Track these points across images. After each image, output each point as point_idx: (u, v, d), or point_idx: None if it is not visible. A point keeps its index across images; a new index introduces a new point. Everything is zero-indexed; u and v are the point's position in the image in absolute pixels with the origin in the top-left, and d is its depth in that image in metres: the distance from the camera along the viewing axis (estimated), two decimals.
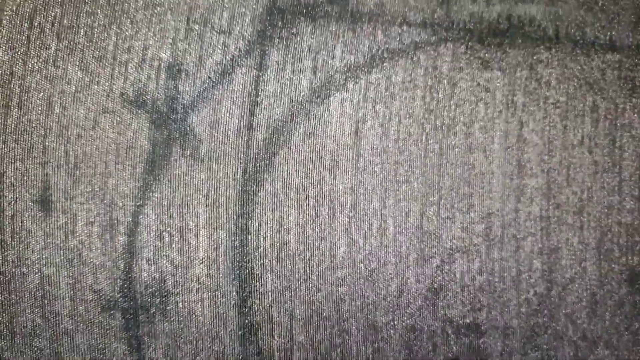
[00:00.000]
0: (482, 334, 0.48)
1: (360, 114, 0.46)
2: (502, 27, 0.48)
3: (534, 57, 0.49)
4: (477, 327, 0.48)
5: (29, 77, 0.43)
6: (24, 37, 0.43)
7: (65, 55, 0.43)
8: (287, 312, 0.45)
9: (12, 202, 0.43)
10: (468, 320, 0.47)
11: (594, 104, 0.49)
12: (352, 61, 0.46)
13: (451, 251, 0.48)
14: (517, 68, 0.49)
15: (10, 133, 0.43)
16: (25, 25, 0.43)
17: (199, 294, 0.44)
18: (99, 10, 0.44)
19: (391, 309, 0.46)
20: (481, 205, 0.48)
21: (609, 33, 0.49)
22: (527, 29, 0.49)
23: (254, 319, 0.45)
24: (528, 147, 0.48)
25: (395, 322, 0.47)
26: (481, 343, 0.48)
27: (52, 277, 0.43)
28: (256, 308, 0.45)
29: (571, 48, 0.49)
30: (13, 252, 0.43)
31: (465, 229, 0.48)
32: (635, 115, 0.49)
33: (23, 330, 0.43)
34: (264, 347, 0.45)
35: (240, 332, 0.45)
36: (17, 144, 0.43)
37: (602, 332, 0.49)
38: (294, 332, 0.45)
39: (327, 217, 0.46)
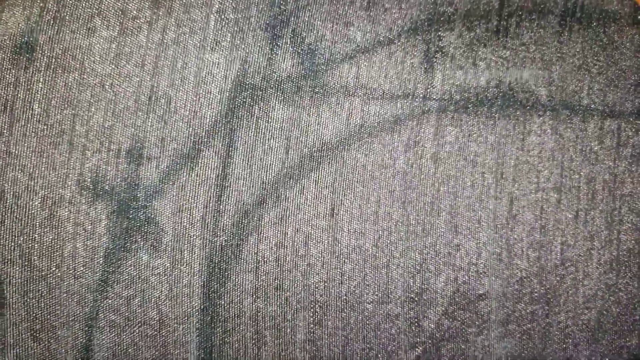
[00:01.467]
0: None
1: (336, 195, 0.43)
2: (491, 95, 0.45)
3: (526, 127, 0.45)
4: None
5: None
6: None
7: (17, 139, 0.40)
8: None
9: None
10: None
11: (590, 175, 0.45)
12: (328, 138, 0.43)
13: (434, 340, 0.45)
14: (507, 139, 0.45)
15: None
16: None
17: None
18: (53, 90, 0.41)
19: None
20: (468, 288, 0.44)
21: (607, 98, 0.46)
22: (518, 96, 0.46)
23: None
24: (518, 226, 0.45)
25: None
26: None
27: None
28: None
29: (566, 115, 0.46)
30: None
31: (450, 315, 0.44)
32: (637, 185, 0.46)
33: None
34: None
35: None
36: None
37: None
38: None
39: (300, 309, 0.43)
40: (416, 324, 0.44)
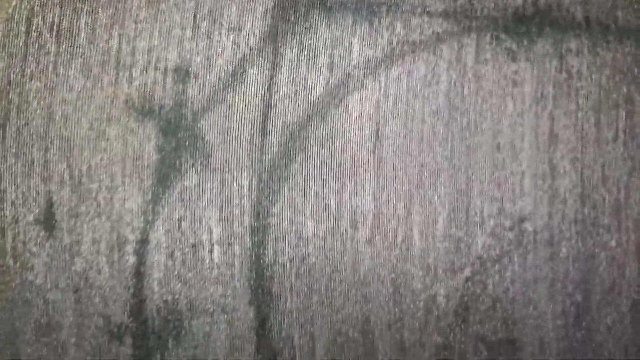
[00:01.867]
0: (517, 350, 0.45)
1: (380, 114, 0.43)
2: (529, 13, 0.45)
3: (564, 46, 0.45)
4: (511, 343, 0.45)
5: (27, 85, 0.40)
6: (21, 42, 0.40)
7: (65, 60, 0.40)
8: (308, 334, 0.42)
9: (13, 223, 0.40)
10: (501, 336, 0.45)
11: (628, 94, 0.46)
12: (371, 56, 0.43)
13: (482, 261, 0.45)
14: (545, 58, 0.45)
15: (10, 147, 0.40)
16: (22, 29, 0.40)
17: (215, 316, 0.41)
18: (100, 10, 0.41)
19: (420, 327, 0.44)
20: (512, 209, 0.45)
21: None
22: (555, 15, 0.46)
23: (274, 342, 0.42)
24: (560, 144, 0.45)
25: (425, 341, 0.44)
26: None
27: (58, 303, 0.40)
28: (275, 330, 0.42)
29: (602, 34, 0.46)
30: (16, 276, 0.40)
31: (497, 235, 0.44)
32: None
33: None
34: None
35: (259, 357, 0.42)
36: (18, 159, 0.40)
37: None
38: (316, 355, 0.43)
39: (348, 228, 0.43)
40: (463, 244, 0.44)
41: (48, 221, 0.40)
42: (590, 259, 0.45)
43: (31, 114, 0.40)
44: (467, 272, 0.44)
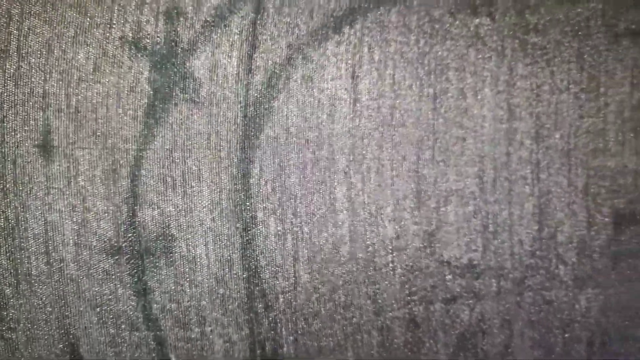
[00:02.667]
0: (478, 275, 0.49)
1: (356, 58, 0.47)
2: None
3: (522, 3, 0.50)
4: (473, 268, 0.49)
5: (27, 20, 0.42)
6: None
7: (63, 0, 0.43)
8: (290, 255, 0.46)
9: (14, 148, 0.43)
10: (464, 262, 0.49)
11: (579, 50, 0.50)
12: (348, 4, 0.47)
13: (446, 194, 0.49)
14: (505, 14, 0.50)
15: (10, 77, 0.42)
16: None
17: (203, 237, 0.45)
18: None
19: (390, 251, 0.48)
20: (474, 148, 0.49)
21: None
22: None
23: (258, 261, 0.45)
24: (517, 92, 0.50)
25: (394, 263, 0.48)
26: (477, 284, 0.49)
27: (56, 224, 0.43)
28: (259, 251, 0.46)
29: None
30: (16, 198, 0.43)
31: (459, 172, 0.49)
32: (617, 63, 0.51)
33: (28, 277, 0.43)
34: (268, 289, 0.46)
35: (244, 275, 0.45)
36: (17, 89, 0.43)
37: (591, 272, 0.51)
38: (297, 274, 0.46)
39: (326, 160, 0.46)
40: (428, 183, 0.48)
41: (46, 147, 0.43)
42: (544, 197, 0.50)
43: (30, 47, 0.43)
44: (432, 203, 0.49)
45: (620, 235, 0.51)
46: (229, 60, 0.44)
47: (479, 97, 0.49)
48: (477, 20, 0.49)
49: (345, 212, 0.47)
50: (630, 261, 0.51)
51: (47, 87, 0.43)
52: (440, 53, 0.48)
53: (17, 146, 0.43)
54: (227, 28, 0.44)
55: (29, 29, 0.42)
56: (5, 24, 0.42)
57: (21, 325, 0.43)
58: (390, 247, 0.48)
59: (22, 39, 0.42)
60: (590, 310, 0.51)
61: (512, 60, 0.49)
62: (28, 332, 0.43)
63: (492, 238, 0.49)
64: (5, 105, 0.42)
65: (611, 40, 0.51)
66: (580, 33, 0.50)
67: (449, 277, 0.49)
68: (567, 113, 0.50)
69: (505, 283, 0.50)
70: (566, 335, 0.51)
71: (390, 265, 0.48)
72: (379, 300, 0.48)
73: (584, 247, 0.51)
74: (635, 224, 0.52)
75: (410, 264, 0.48)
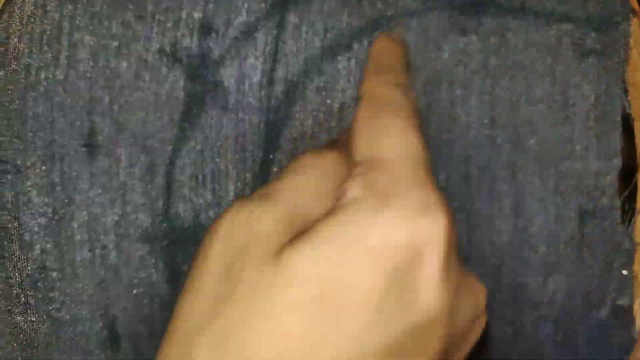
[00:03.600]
0: (464, 262, 0.57)
1: (363, 71, 0.53)
2: (478, 0, 0.56)
3: (504, 26, 0.57)
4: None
5: (75, 32, 0.47)
6: None
7: (108, 13, 0.48)
8: None
9: (61, 147, 0.47)
10: None
11: (551, 67, 0.58)
12: (356, 25, 0.53)
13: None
14: (490, 35, 0.57)
15: (59, 83, 0.47)
16: None
17: None
18: None
19: None
20: (461, 151, 0.56)
21: (563, 7, 0.58)
22: (499, 2, 0.57)
23: None
24: (499, 103, 0.57)
25: None
26: None
27: (99, 215, 0.48)
28: None
29: (533, 18, 0.58)
30: (63, 192, 0.48)
31: (448, 172, 0.56)
32: (584, 78, 0.59)
33: (72, 263, 0.48)
34: None
35: None
36: (66, 94, 0.47)
37: (558, 260, 0.59)
38: None
39: None
40: None
41: (91, 147, 0.48)
42: (520, 194, 0.57)
43: (78, 56, 0.47)
44: None
45: (583, 228, 0.59)
46: (254, 71, 0.50)
47: (465, 107, 0.56)
48: (465, 39, 0.56)
49: None
50: (592, 251, 0.59)
51: (92, 93, 0.48)
52: (434, 68, 0.55)
53: (65, 145, 0.47)
54: (253, 43, 0.50)
55: (77, 40, 0.47)
56: (57, 36, 0.47)
57: (66, 306, 0.48)
58: None
59: (70, 49, 0.47)
60: (557, 293, 0.59)
61: (495, 75, 0.57)
62: (72, 312, 0.48)
63: (474, 230, 0.57)
64: (54, 109, 0.47)
65: (579, 57, 0.58)
66: (552, 51, 0.58)
67: None
68: (540, 122, 0.58)
69: (485, 269, 0.57)
70: (535, 314, 0.59)
71: None
72: None
73: (552, 239, 0.58)
74: (596, 218, 0.60)
75: None
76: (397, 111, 0.35)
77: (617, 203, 0.60)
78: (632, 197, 0.61)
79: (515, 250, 0.58)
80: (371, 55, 0.42)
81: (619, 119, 0.59)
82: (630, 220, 0.60)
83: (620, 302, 0.61)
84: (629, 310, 0.60)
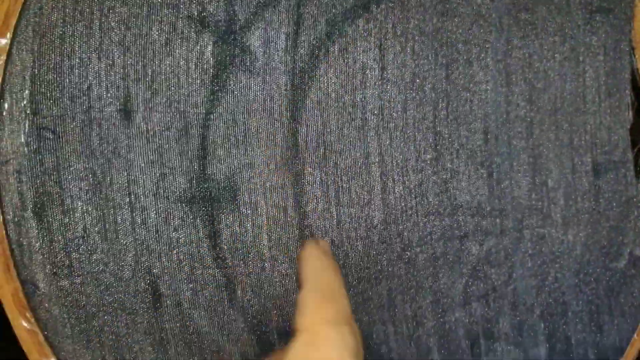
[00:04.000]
0: (485, 216, 0.58)
1: (383, 32, 0.55)
2: None
3: None
4: (481, 210, 0.58)
5: (107, 1, 0.49)
6: None
7: None
8: (332, 200, 0.54)
9: (99, 112, 0.49)
10: (474, 205, 0.58)
11: (561, 25, 0.60)
12: None
13: (458, 148, 0.58)
14: None
15: (94, 50, 0.49)
16: None
17: (262, 187, 0.52)
18: None
19: (414, 196, 0.56)
20: (479, 108, 0.58)
21: None
22: None
23: (307, 207, 0.53)
24: (513, 61, 0.59)
25: (418, 207, 0.56)
26: (484, 223, 0.58)
27: (137, 178, 0.50)
28: (308, 198, 0.53)
29: None
30: (102, 156, 0.49)
31: (469, 129, 0.58)
32: (593, 35, 0.61)
33: (114, 224, 0.50)
34: (316, 229, 0.54)
35: (296, 219, 0.53)
36: (100, 61, 0.49)
37: (576, 213, 0.60)
38: (339, 216, 0.54)
39: (360, 120, 0.55)
40: (444, 138, 0.57)
41: (127, 111, 0.49)
42: (536, 149, 0.59)
43: (111, 24, 0.49)
44: (447, 156, 0.57)
45: (599, 181, 0.61)
46: (278, 35, 0.52)
47: (482, 65, 0.58)
48: (479, 1, 0.57)
49: (377, 164, 0.55)
50: (608, 203, 0.61)
51: (126, 60, 0.49)
52: (450, 28, 0.57)
53: (102, 110, 0.49)
54: (276, 8, 0.52)
55: (109, 8, 0.49)
56: (89, 5, 0.48)
57: (109, 267, 0.50)
58: (414, 193, 0.56)
59: (103, 18, 0.49)
60: (576, 244, 0.61)
61: (508, 34, 0.58)
62: (115, 273, 0.50)
63: (495, 184, 0.58)
64: (90, 76, 0.49)
65: (587, 15, 0.60)
66: (562, 10, 0.60)
67: (461, 218, 0.57)
68: (553, 78, 0.60)
69: (507, 222, 0.59)
70: (557, 265, 0.60)
71: (414, 208, 0.56)
72: (405, 238, 0.56)
73: (570, 191, 0.60)
74: (610, 171, 0.62)
75: (430, 207, 0.57)
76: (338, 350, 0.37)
77: (630, 156, 0.62)
78: None
79: (535, 203, 0.59)
80: (304, 271, 0.41)
81: (628, 74, 0.61)
82: None
83: (637, 253, 0.63)
84: None
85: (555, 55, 0.60)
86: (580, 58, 0.60)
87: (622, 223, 0.62)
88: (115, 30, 0.49)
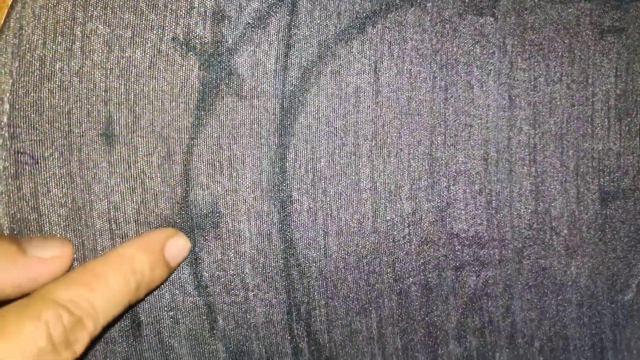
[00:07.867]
0: (483, 246, 0.56)
1: (378, 54, 0.53)
2: None
3: (521, 5, 0.56)
4: (479, 239, 0.56)
5: (89, 22, 0.47)
6: None
7: (121, 3, 0.48)
8: (321, 229, 0.52)
9: (79, 137, 0.48)
10: (471, 234, 0.56)
11: (570, 46, 0.57)
12: (370, 8, 0.53)
13: (455, 174, 0.55)
14: (506, 15, 0.56)
15: (75, 74, 0.48)
16: None
17: (246, 214, 0.51)
18: None
19: (407, 225, 0.54)
20: (479, 133, 0.55)
21: None
22: None
23: (294, 235, 0.52)
24: (517, 83, 0.56)
25: (411, 236, 0.54)
26: (482, 253, 0.56)
27: (118, 204, 0.49)
28: (294, 226, 0.52)
29: None
30: (82, 181, 0.48)
31: (467, 155, 0.55)
32: (604, 56, 0.58)
33: (93, 251, 0.49)
34: (302, 259, 0.52)
35: (281, 247, 0.51)
36: (81, 84, 0.48)
37: (580, 243, 0.58)
38: (327, 246, 0.52)
39: (352, 145, 0.53)
40: (440, 163, 0.54)
41: (108, 136, 0.48)
42: (539, 176, 0.57)
43: (92, 46, 0.48)
44: (444, 183, 0.55)
45: (605, 209, 0.58)
46: (267, 58, 0.50)
47: (483, 88, 0.55)
48: (481, 20, 0.55)
49: (368, 191, 0.53)
50: (615, 233, 0.58)
51: (108, 83, 0.48)
52: (450, 49, 0.54)
53: (82, 135, 0.48)
54: (266, 29, 0.50)
55: (91, 30, 0.47)
56: (70, 26, 0.47)
57: None
58: (407, 222, 0.54)
59: (85, 39, 0.47)
60: (580, 276, 0.58)
61: (512, 55, 0.56)
62: None
63: (494, 213, 0.56)
64: (71, 99, 0.48)
65: (597, 36, 0.57)
66: (570, 30, 0.57)
67: (458, 247, 0.55)
68: (560, 102, 0.57)
69: (507, 252, 0.56)
70: (559, 297, 0.58)
71: (407, 237, 0.54)
72: (398, 269, 0.54)
73: (574, 220, 0.58)
74: (618, 199, 0.59)
75: (424, 236, 0.54)
76: None
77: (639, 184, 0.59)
78: None
79: (536, 233, 0.57)
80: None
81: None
82: None
83: None
84: None
85: (563, 77, 0.57)
86: (590, 80, 0.58)
87: (630, 254, 0.59)
88: (97, 53, 0.48)
